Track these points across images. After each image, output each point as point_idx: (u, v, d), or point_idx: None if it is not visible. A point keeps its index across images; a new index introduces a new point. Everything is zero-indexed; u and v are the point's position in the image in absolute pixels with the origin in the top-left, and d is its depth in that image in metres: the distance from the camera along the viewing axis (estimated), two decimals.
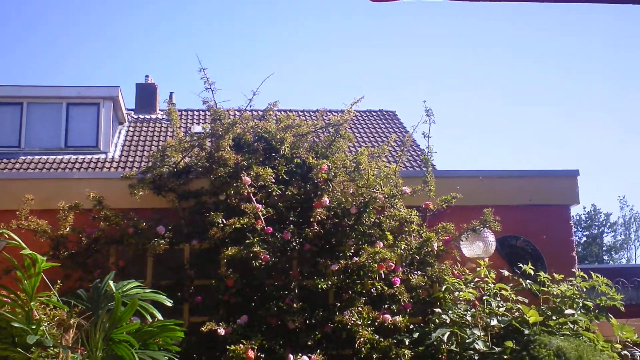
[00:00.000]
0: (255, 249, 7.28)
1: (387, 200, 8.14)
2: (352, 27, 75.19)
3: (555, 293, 7.70)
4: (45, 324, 5.14)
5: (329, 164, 8.09)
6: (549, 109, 79.99)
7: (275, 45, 76.11)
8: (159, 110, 20.49)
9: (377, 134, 19.11)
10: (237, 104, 8.92)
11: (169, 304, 5.03)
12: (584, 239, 61.66)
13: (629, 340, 7.55)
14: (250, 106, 8.67)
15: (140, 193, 8.16)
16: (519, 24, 73.92)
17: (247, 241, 7.38)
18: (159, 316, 4.77)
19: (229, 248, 7.33)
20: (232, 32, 76.71)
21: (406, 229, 8.13)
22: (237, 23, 75.16)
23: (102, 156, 16.85)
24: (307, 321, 7.38)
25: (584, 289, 7.81)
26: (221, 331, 6.94)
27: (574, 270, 8.45)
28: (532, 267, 7.87)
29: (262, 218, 7.58)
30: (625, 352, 7.65)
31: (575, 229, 58.43)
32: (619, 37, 75.14)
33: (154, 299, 4.97)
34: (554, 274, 7.91)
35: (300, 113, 19.24)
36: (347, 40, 76.36)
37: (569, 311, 7.42)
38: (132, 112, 20.06)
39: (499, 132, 79.89)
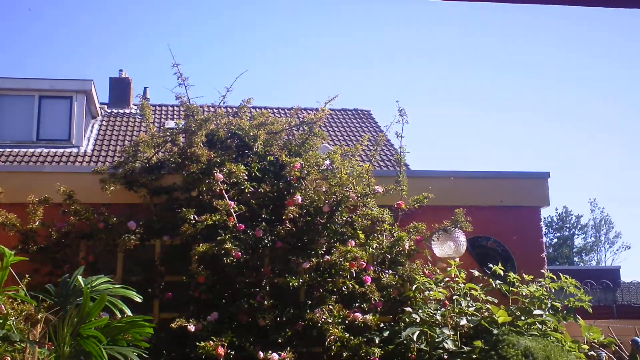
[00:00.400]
0: (226, 246, 7.27)
1: (359, 199, 8.16)
2: (331, 27, 75.32)
3: (524, 293, 7.78)
4: (13, 318, 5.10)
5: (302, 162, 8.09)
6: (521, 113, 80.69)
7: (253, 43, 75.97)
8: (133, 104, 20.30)
9: (351, 132, 19.12)
10: (212, 100, 8.90)
11: (139, 300, 5.01)
12: (555, 240, 62.09)
13: (595, 341, 7.66)
14: (224, 103, 8.66)
15: (112, 188, 8.11)
16: (495, 32, 74.56)
17: (219, 238, 7.36)
18: (128, 312, 4.74)
19: (201, 245, 7.31)
20: (208, 28, 76.36)
21: (378, 228, 8.15)
22: (213, 19, 74.88)
23: (75, 150, 16.69)
24: (278, 319, 7.38)
25: (553, 290, 7.90)
26: (191, 328, 6.92)
27: (543, 271, 8.53)
28: (502, 268, 7.94)
29: (234, 215, 7.57)
30: (592, 352, 7.76)
31: (546, 231, 59.18)
32: (585, 41, 76.03)
33: (123, 295, 4.95)
34: (524, 274, 7.98)
35: (275, 110, 19.17)
36: (326, 38, 76.43)
37: (537, 312, 7.50)
38: (106, 106, 19.86)
39: (473, 134, 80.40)
